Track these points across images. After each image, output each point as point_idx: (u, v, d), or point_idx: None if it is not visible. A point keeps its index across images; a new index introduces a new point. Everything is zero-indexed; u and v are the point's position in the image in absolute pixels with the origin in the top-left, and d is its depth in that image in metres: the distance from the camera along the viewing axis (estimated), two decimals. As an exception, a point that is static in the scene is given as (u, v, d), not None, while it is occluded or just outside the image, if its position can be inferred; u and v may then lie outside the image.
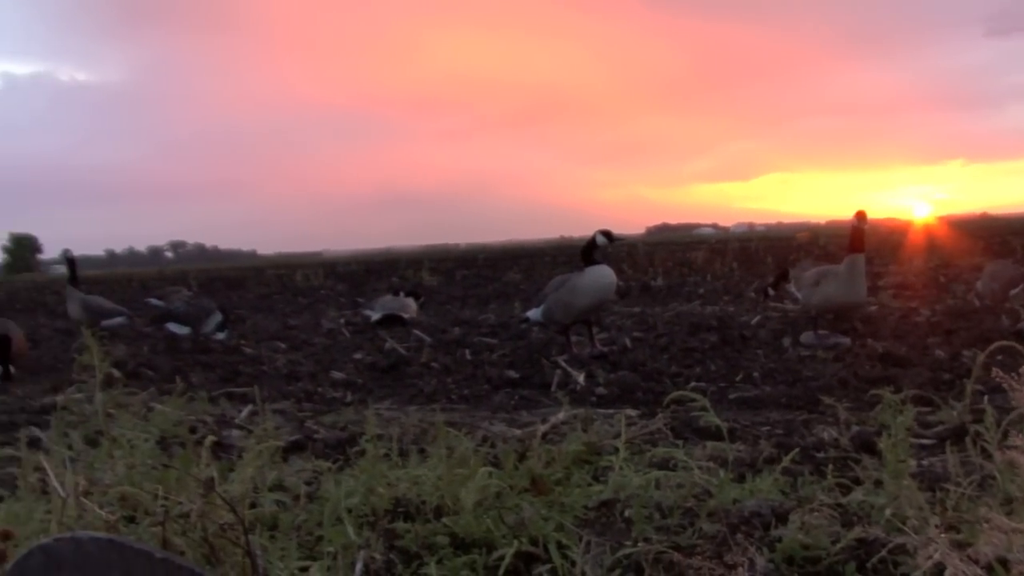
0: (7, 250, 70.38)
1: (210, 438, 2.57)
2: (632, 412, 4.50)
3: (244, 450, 2.89)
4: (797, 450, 3.09)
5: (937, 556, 1.93)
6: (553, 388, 5.48)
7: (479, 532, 2.34)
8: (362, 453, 2.83)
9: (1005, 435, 2.36)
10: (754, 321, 8.03)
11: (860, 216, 6.71)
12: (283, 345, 8.45)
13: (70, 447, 3.06)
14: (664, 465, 3.02)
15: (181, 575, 1.51)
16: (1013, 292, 7.24)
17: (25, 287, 28.04)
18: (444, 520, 2.43)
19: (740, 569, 2.12)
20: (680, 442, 3.66)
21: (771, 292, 8.69)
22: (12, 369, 6.22)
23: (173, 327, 8.44)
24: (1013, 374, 2.29)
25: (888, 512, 2.31)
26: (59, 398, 4.89)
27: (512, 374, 6.05)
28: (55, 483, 2.31)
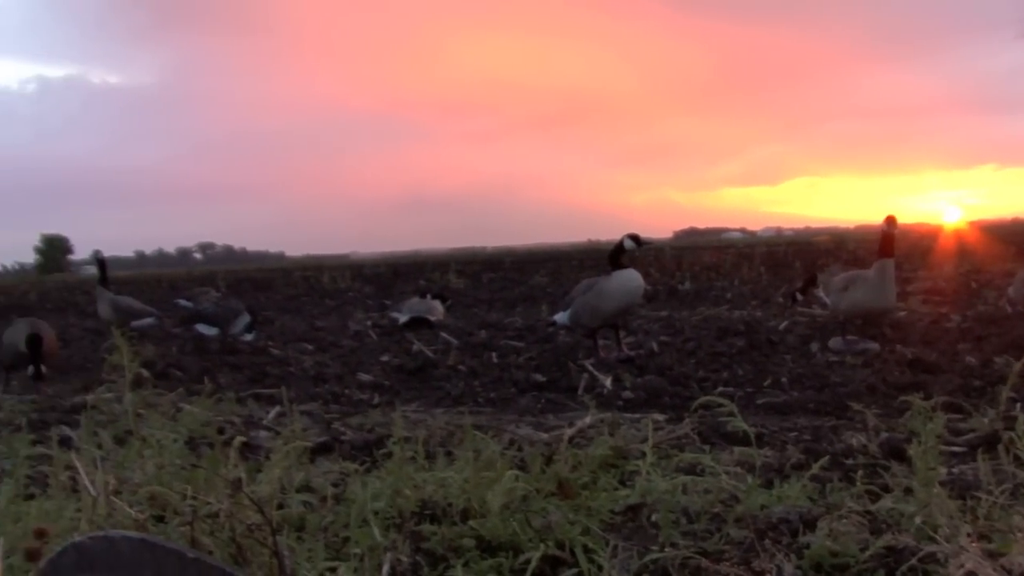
0: (39, 251, 71.15)
1: (238, 439, 2.59)
2: (659, 416, 4.49)
3: (272, 451, 2.90)
4: (826, 457, 3.07)
5: (969, 565, 1.91)
6: (580, 392, 5.48)
7: (505, 535, 2.34)
8: (389, 455, 2.83)
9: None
10: (782, 326, 7.99)
11: (890, 221, 6.66)
12: (310, 347, 8.49)
13: (100, 446, 3.08)
14: (691, 470, 3.00)
15: (212, 575, 1.52)
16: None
17: (56, 287, 28.31)
18: (470, 523, 2.43)
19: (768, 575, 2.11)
20: (707, 447, 3.65)
21: (799, 297, 8.64)
22: (43, 368, 6.27)
23: (201, 328, 8.50)
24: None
25: (918, 520, 2.29)
26: (89, 397, 4.93)
27: (539, 377, 6.05)
28: (85, 482, 2.33)
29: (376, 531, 2.31)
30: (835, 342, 6.69)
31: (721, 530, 2.38)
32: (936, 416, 2.55)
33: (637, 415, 4.58)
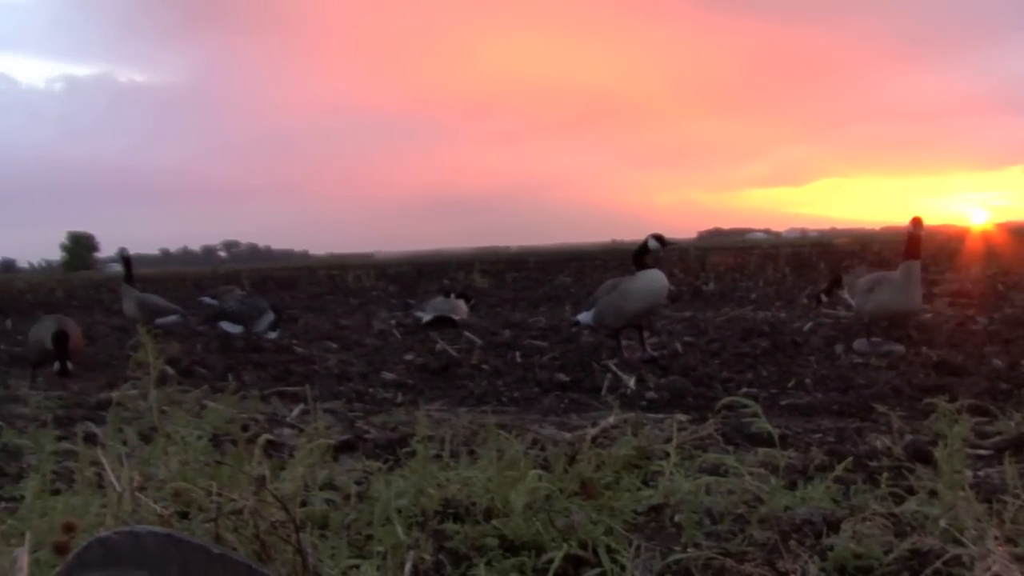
0: (65, 248, 71.85)
1: (263, 436, 2.61)
2: (683, 417, 4.48)
3: (295, 449, 2.92)
4: (850, 458, 3.06)
5: (996, 568, 1.90)
6: (603, 392, 5.47)
7: (528, 534, 2.34)
8: (412, 454, 2.84)
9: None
10: (806, 327, 7.94)
11: (916, 222, 6.61)
12: (334, 345, 8.51)
13: (125, 443, 3.10)
14: (715, 471, 2.99)
15: (238, 571, 1.53)
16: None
17: (82, 284, 28.52)
18: (494, 522, 2.43)
19: (791, 577, 2.10)
20: (731, 448, 3.64)
21: (824, 298, 8.59)
22: (69, 365, 6.32)
23: (226, 326, 8.53)
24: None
25: (943, 523, 2.27)
26: (114, 394, 4.96)
27: (562, 377, 6.05)
28: (111, 477, 2.35)
29: (399, 529, 2.31)
30: (860, 344, 6.65)
31: (744, 531, 2.37)
32: (962, 419, 2.53)
33: (660, 415, 4.57)
